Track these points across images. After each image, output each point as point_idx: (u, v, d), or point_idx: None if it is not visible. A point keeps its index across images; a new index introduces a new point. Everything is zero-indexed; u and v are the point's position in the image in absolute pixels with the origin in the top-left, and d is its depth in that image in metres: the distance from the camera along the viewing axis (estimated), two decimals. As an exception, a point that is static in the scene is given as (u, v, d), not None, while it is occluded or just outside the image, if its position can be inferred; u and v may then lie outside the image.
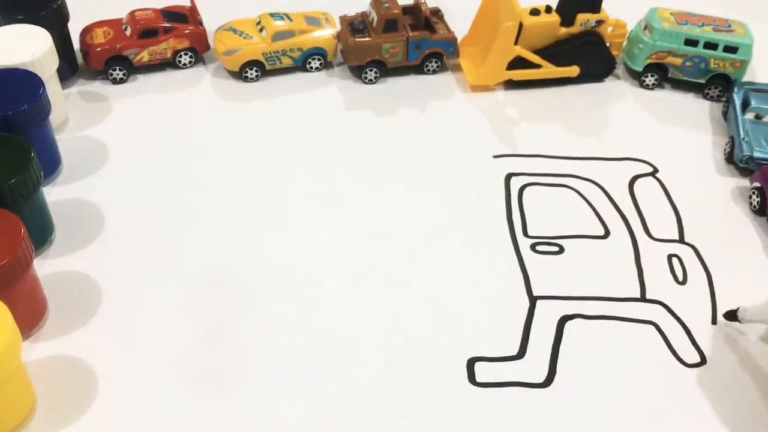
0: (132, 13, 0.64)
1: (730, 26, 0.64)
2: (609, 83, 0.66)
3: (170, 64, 0.65)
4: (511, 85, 0.65)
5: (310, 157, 0.58)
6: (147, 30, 0.63)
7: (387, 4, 0.63)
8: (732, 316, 0.47)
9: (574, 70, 0.64)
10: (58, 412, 0.42)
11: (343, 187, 0.56)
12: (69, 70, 0.63)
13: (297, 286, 0.49)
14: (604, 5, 0.63)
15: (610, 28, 0.64)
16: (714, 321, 0.48)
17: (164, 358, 0.44)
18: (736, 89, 0.61)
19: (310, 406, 0.42)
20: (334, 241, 0.51)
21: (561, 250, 0.51)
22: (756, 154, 0.56)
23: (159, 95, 0.63)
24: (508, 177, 0.57)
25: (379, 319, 0.47)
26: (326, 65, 0.66)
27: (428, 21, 0.65)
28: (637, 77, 0.66)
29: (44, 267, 0.49)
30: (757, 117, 0.58)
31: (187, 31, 0.64)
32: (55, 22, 0.60)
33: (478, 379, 0.44)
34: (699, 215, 0.54)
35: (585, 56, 0.64)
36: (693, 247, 0.52)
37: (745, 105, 0.59)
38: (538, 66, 0.63)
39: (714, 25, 0.64)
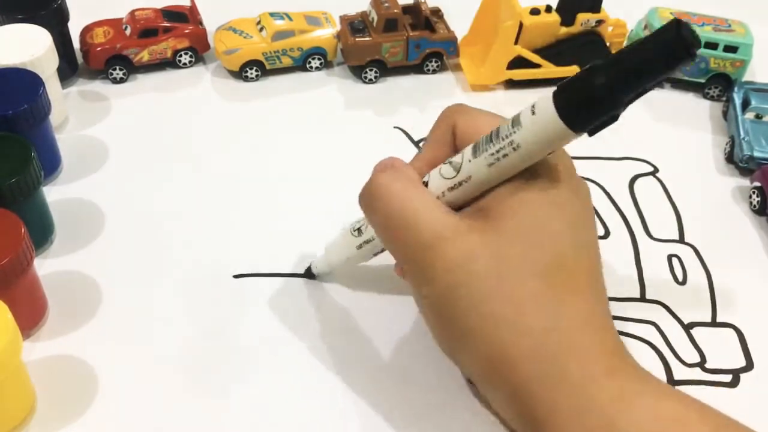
0: (132, 12, 0.64)
1: (730, 26, 0.64)
2: (609, 83, 0.66)
3: (170, 63, 0.65)
4: (511, 84, 0.65)
5: (310, 157, 0.58)
6: (147, 29, 0.63)
7: (387, 4, 0.63)
8: (309, 274, 0.49)
9: (574, 70, 0.64)
10: (58, 412, 0.42)
11: (344, 186, 0.55)
12: (69, 69, 0.63)
13: (297, 285, 0.49)
14: (604, 5, 0.63)
15: (610, 28, 0.64)
16: (714, 321, 0.48)
17: (164, 358, 0.44)
18: (736, 89, 0.61)
19: (310, 406, 0.42)
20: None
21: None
22: (756, 154, 0.56)
23: (159, 95, 0.63)
24: (508, 177, 0.56)
25: (378, 318, 0.47)
26: (326, 65, 0.66)
27: (428, 21, 0.65)
28: (637, 77, 0.66)
29: (44, 267, 0.49)
30: (758, 117, 0.58)
31: (187, 31, 0.64)
32: (55, 21, 0.60)
33: (478, 379, 0.44)
34: (699, 215, 0.54)
35: (585, 56, 0.64)
36: (693, 247, 0.52)
37: (745, 105, 0.59)
38: (538, 66, 0.63)
39: (714, 24, 0.64)
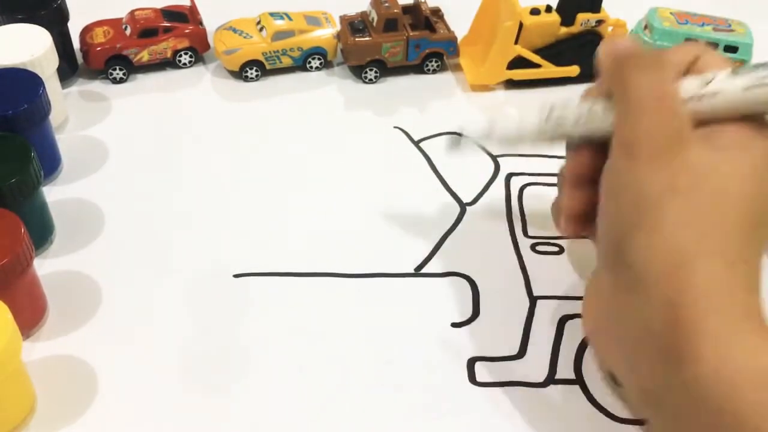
0: (132, 12, 0.64)
1: (730, 26, 0.64)
2: (609, 83, 0.66)
3: (170, 63, 0.65)
4: (511, 84, 0.65)
5: (310, 156, 0.58)
6: (147, 29, 0.63)
7: (387, 4, 0.63)
8: (456, 139, 0.45)
9: (574, 70, 0.64)
10: (58, 412, 0.42)
11: (344, 186, 0.56)
12: (69, 69, 0.63)
13: (297, 285, 0.49)
14: (604, 5, 0.63)
15: (610, 28, 0.64)
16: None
17: (164, 358, 0.44)
18: (736, 89, 0.61)
19: (310, 405, 0.42)
20: (334, 239, 0.51)
21: (561, 250, 0.51)
22: (756, 154, 0.56)
23: (159, 95, 0.63)
24: (508, 177, 0.56)
25: (378, 317, 0.47)
26: (326, 65, 0.66)
27: (428, 20, 0.65)
28: (637, 77, 0.66)
29: (44, 267, 0.49)
30: (758, 117, 0.58)
31: (187, 31, 0.64)
32: (55, 21, 0.60)
33: (478, 378, 0.44)
34: (699, 215, 0.54)
35: (585, 56, 0.64)
36: (693, 246, 0.52)
37: (746, 105, 0.59)
38: (538, 66, 0.63)
39: (714, 24, 0.64)
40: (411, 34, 0.64)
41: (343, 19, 0.65)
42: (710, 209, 0.35)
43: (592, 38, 0.63)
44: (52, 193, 0.53)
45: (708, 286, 0.34)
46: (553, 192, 0.55)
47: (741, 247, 0.35)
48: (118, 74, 0.63)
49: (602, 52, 0.41)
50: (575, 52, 0.63)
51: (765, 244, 0.36)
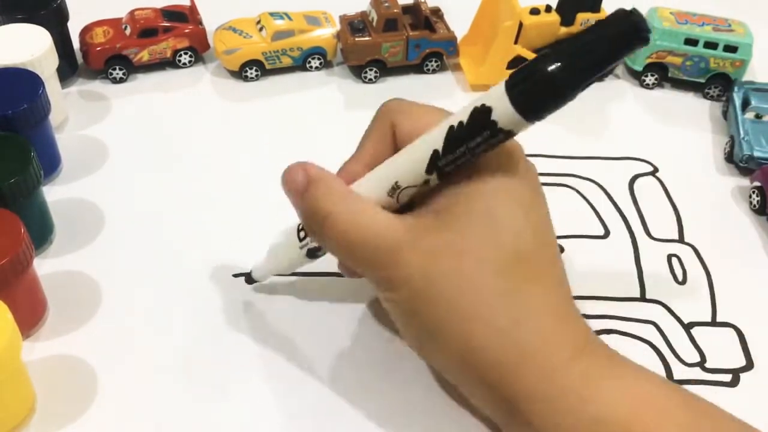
0: (132, 12, 0.64)
1: (730, 26, 0.64)
2: (609, 83, 0.66)
3: (170, 63, 0.65)
4: (511, 84, 0.65)
5: (310, 157, 0.58)
6: (147, 29, 0.63)
7: (387, 4, 0.63)
8: (249, 279, 0.47)
9: (574, 70, 0.64)
10: (58, 412, 0.42)
11: (343, 186, 0.56)
12: (69, 69, 0.63)
13: (297, 285, 0.49)
14: (604, 5, 0.63)
15: (610, 28, 0.64)
16: (714, 321, 0.48)
17: (164, 358, 0.44)
18: (736, 88, 0.61)
19: (310, 405, 0.42)
20: (334, 240, 0.51)
21: (561, 250, 0.51)
22: (756, 154, 0.56)
23: (159, 95, 0.63)
24: (508, 176, 0.56)
25: (379, 317, 0.47)
26: (326, 65, 0.66)
27: (428, 20, 0.65)
28: (637, 77, 0.66)
29: (44, 267, 0.49)
30: (757, 116, 0.58)
31: (186, 31, 0.64)
32: (55, 21, 0.60)
33: (478, 378, 0.44)
34: (699, 215, 0.54)
35: (585, 56, 0.64)
36: (693, 246, 0.52)
37: (745, 104, 0.59)
38: (538, 65, 0.63)
39: (714, 24, 0.64)
40: (411, 33, 0.64)
41: (343, 18, 0.65)
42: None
43: (592, 38, 0.63)
44: (52, 193, 0.53)
45: (504, 365, 0.36)
46: (553, 192, 0.55)
47: (512, 305, 0.36)
48: (118, 74, 0.63)
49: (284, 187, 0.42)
50: (575, 51, 0.63)
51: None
